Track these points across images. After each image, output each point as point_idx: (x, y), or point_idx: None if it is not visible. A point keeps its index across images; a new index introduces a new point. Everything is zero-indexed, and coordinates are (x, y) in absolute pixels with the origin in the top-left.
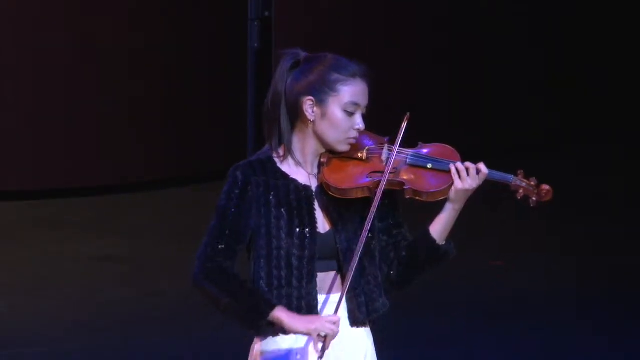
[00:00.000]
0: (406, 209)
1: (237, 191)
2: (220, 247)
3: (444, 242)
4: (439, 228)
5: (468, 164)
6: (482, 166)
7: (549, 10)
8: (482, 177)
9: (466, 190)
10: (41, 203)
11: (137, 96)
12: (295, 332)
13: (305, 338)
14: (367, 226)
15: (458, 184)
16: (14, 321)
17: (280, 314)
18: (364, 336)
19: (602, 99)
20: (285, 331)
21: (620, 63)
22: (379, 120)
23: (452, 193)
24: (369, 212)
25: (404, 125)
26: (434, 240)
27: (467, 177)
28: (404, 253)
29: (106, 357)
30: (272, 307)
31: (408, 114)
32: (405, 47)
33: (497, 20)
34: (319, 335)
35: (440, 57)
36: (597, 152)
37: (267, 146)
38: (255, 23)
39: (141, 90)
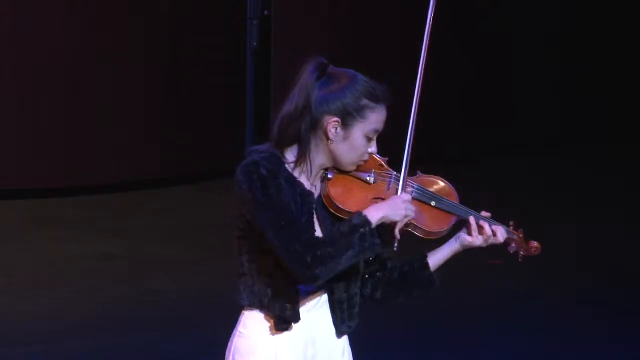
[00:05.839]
0: None
1: (274, 183)
2: (304, 237)
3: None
4: (436, 262)
5: (487, 227)
6: (499, 234)
7: (549, 10)
8: (492, 241)
9: (472, 244)
10: (40, 202)
11: (136, 95)
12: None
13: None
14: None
15: (469, 238)
16: (14, 320)
17: (372, 213)
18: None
19: (602, 99)
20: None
21: (619, 63)
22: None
23: (458, 241)
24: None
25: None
26: (430, 272)
27: (480, 236)
28: (395, 275)
29: (105, 357)
30: (363, 217)
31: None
32: (405, 46)
33: (498, 19)
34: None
35: (442, 56)
36: (596, 152)
37: (267, 145)
38: (255, 22)
39: (140, 89)
